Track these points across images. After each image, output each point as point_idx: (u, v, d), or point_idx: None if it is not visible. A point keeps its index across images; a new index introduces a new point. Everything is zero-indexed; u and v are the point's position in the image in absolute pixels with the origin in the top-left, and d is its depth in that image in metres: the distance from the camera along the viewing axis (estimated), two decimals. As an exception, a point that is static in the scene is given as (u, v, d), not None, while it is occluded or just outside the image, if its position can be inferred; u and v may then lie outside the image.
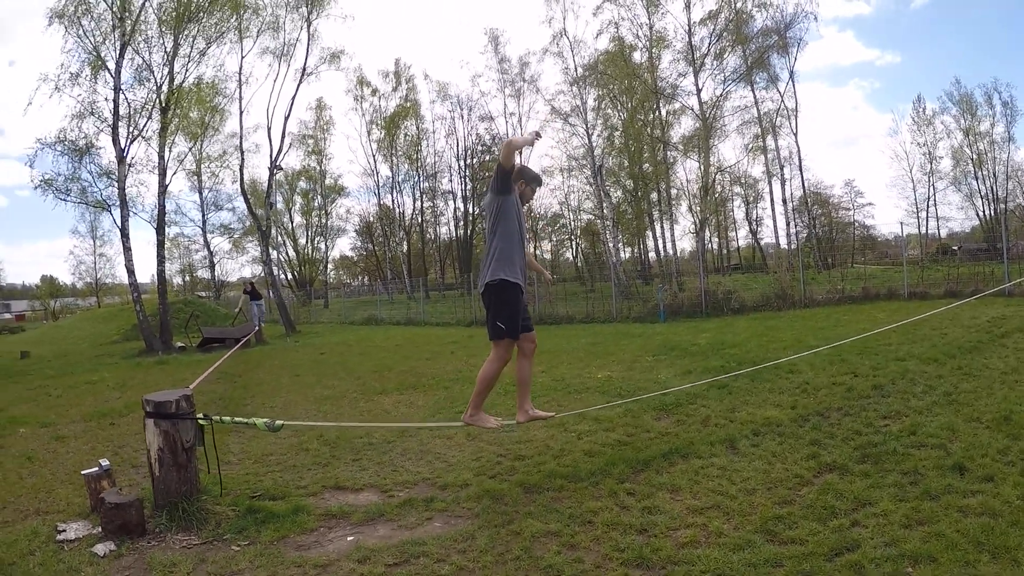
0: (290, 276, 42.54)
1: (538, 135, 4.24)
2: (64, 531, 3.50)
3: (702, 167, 21.73)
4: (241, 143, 21.77)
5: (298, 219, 42.02)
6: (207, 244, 35.88)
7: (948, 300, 11.16)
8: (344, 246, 67.94)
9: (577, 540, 3.11)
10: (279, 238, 41.35)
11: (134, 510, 3.39)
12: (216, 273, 38.98)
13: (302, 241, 42.58)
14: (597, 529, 3.22)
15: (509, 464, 4.45)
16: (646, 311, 15.71)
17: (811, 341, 8.29)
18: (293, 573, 2.91)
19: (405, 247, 42.21)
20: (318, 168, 39.14)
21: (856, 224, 40.02)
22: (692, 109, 22.49)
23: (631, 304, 16.90)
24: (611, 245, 25.22)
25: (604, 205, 24.84)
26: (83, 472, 3.74)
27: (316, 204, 40.46)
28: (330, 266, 50.28)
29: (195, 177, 30.14)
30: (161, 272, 17.54)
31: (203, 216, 34.83)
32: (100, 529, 3.47)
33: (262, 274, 32.22)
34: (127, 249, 16.52)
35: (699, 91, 21.67)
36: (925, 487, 3.18)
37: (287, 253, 42.65)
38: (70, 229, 54.34)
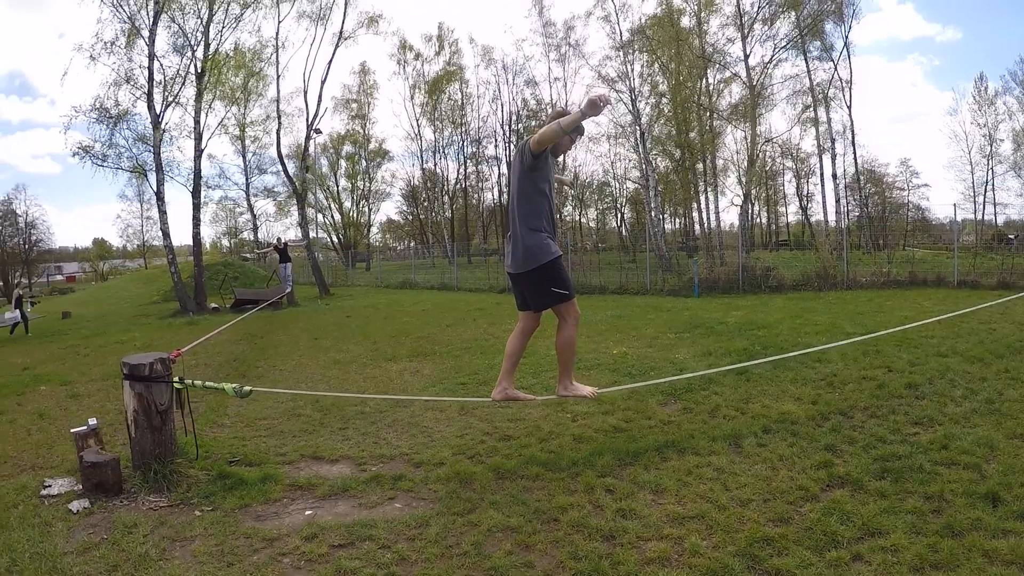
0: (335, 239, 42.90)
1: (604, 101, 3.07)
2: (49, 487, 3.53)
3: (749, 137, 20.39)
4: (278, 107, 21.66)
5: (343, 183, 42.09)
6: (251, 207, 36.22)
7: (1000, 291, 10.08)
8: (391, 210, 68.11)
9: (534, 540, 2.78)
10: (325, 201, 41.69)
11: (110, 469, 3.37)
12: (260, 235, 39.56)
13: (347, 204, 42.75)
14: (560, 529, 2.87)
15: (492, 444, 4.16)
16: (681, 284, 14.96)
17: (847, 328, 7.55)
18: (240, 544, 2.81)
19: (448, 212, 41.86)
20: (362, 132, 38.85)
21: (910, 205, 37.18)
22: (740, 76, 20.99)
23: (666, 277, 16.15)
24: (652, 215, 24.18)
25: (648, 173, 23.73)
26: (72, 430, 3.70)
27: (361, 168, 40.34)
28: (375, 229, 50.48)
29: (239, 141, 30.20)
30: (196, 235, 17.74)
31: (246, 179, 35.10)
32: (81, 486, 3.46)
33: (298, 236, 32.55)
34: (162, 213, 16.86)
35: (747, 57, 20.15)
36: (949, 519, 2.63)
37: (332, 216, 42.99)
38: (118, 193, 55.62)
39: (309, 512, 3.13)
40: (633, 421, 4.47)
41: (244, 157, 34.09)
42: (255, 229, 38.15)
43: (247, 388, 3.63)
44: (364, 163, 40.01)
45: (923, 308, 9.01)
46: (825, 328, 7.60)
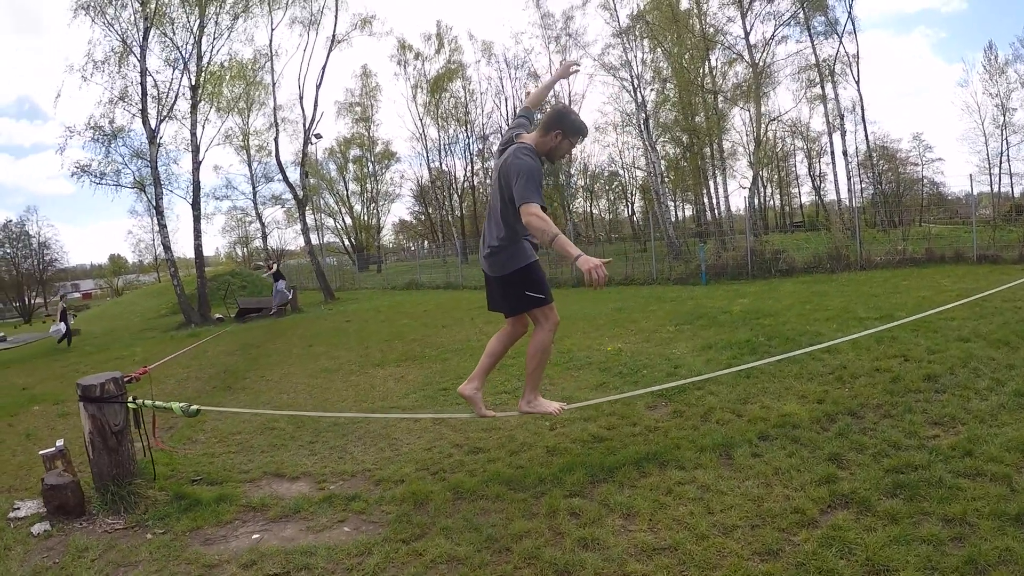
0: (347, 242, 42.68)
1: (598, 282, 2.64)
2: (18, 509, 3.48)
3: (753, 117, 19.60)
4: (275, 115, 21.62)
5: (353, 186, 41.68)
6: (259, 216, 35.69)
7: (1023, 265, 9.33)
8: (403, 212, 67.83)
9: (478, 575, 2.40)
10: (335, 205, 41.41)
11: (70, 491, 3.29)
12: (271, 243, 39.10)
13: (357, 208, 42.35)
14: (510, 562, 2.49)
15: (459, 458, 3.80)
16: (688, 272, 14.36)
17: (860, 312, 6.96)
18: (180, 571, 2.67)
19: (459, 210, 41.39)
20: (367, 135, 38.43)
21: (924, 180, 35.61)
22: (742, 56, 20.16)
23: (673, 265, 15.51)
24: (660, 202, 23.42)
25: (652, 160, 22.98)
26: (40, 452, 3.58)
27: (368, 171, 39.93)
28: (387, 231, 50.15)
29: (244, 151, 29.94)
30: (198, 246, 17.71)
31: (253, 188, 34.54)
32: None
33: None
34: (162, 227, 16.93)
35: (747, 35, 19.31)
36: (972, 550, 2.12)
37: (343, 220, 42.70)
38: (128, 209, 55.15)
39: (256, 536, 2.93)
40: (616, 428, 4.02)
41: (250, 166, 33.67)
42: (264, 237, 37.73)
43: (195, 407, 3.50)
44: (371, 166, 39.62)
45: (941, 287, 8.35)
46: (836, 313, 7.02)
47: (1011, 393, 3.59)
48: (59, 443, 3.53)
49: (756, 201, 22.64)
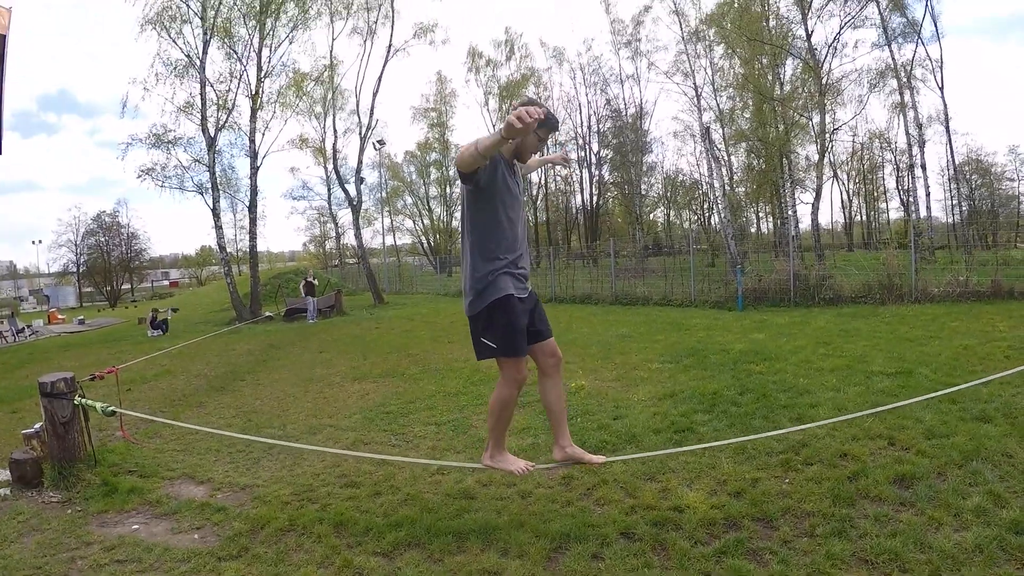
0: (425, 244, 43.19)
1: (528, 118, 2.09)
2: None
3: (816, 126, 17.31)
4: (334, 122, 22.80)
5: (433, 190, 41.82)
6: (333, 216, 36.42)
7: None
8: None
9: None
10: (414, 208, 41.97)
11: (28, 466, 3.71)
12: (344, 242, 40.05)
13: (438, 211, 42.57)
14: None
15: (331, 490, 3.46)
16: (727, 295, 12.82)
17: (877, 364, 5.53)
18: (66, 543, 2.89)
19: (543, 216, 40.48)
20: (442, 139, 38.49)
21: (1022, 198, 30.13)
22: (806, 61, 17.82)
23: (713, 287, 13.91)
24: (719, 216, 21.37)
25: (713, 171, 21.03)
26: (22, 432, 3.92)
27: (447, 175, 40.02)
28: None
29: (319, 154, 30.82)
30: (253, 247, 18.20)
31: (328, 190, 35.14)
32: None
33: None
34: (218, 228, 17.24)
35: (809, 36, 16.96)
36: None
37: (422, 222, 43.17)
38: (210, 207, 58.21)
39: (136, 527, 3.08)
40: (490, 486, 3.39)
41: (325, 168, 34.51)
42: (337, 237, 38.79)
43: (111, 409, 3.76)
44: (446, 170, 39.72)
45: (994, 333, 6.54)
46: (847, 363, 5.64)
47: (1005, 525, 2.37)
48: (36, 426, 3.86)
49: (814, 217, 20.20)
